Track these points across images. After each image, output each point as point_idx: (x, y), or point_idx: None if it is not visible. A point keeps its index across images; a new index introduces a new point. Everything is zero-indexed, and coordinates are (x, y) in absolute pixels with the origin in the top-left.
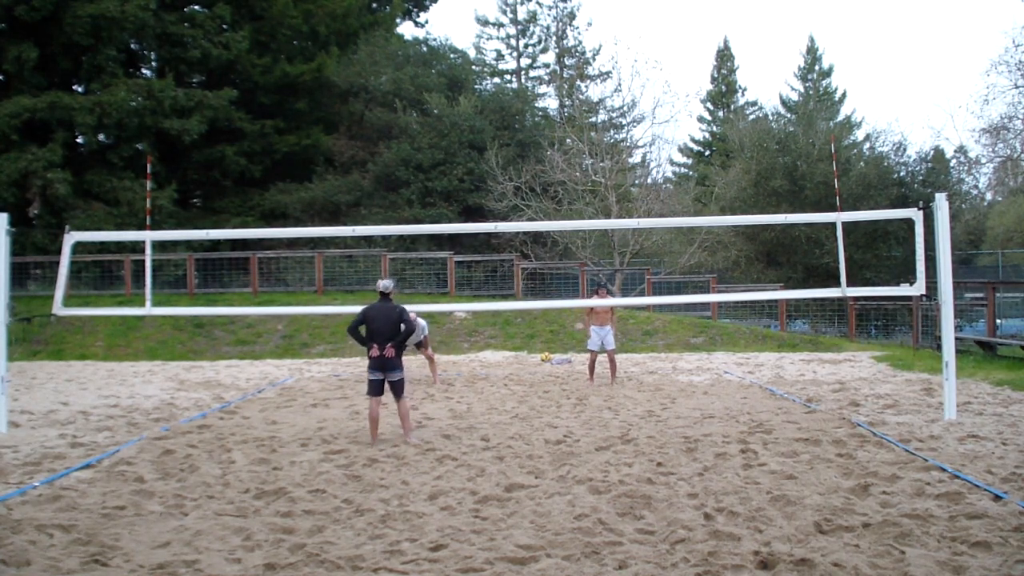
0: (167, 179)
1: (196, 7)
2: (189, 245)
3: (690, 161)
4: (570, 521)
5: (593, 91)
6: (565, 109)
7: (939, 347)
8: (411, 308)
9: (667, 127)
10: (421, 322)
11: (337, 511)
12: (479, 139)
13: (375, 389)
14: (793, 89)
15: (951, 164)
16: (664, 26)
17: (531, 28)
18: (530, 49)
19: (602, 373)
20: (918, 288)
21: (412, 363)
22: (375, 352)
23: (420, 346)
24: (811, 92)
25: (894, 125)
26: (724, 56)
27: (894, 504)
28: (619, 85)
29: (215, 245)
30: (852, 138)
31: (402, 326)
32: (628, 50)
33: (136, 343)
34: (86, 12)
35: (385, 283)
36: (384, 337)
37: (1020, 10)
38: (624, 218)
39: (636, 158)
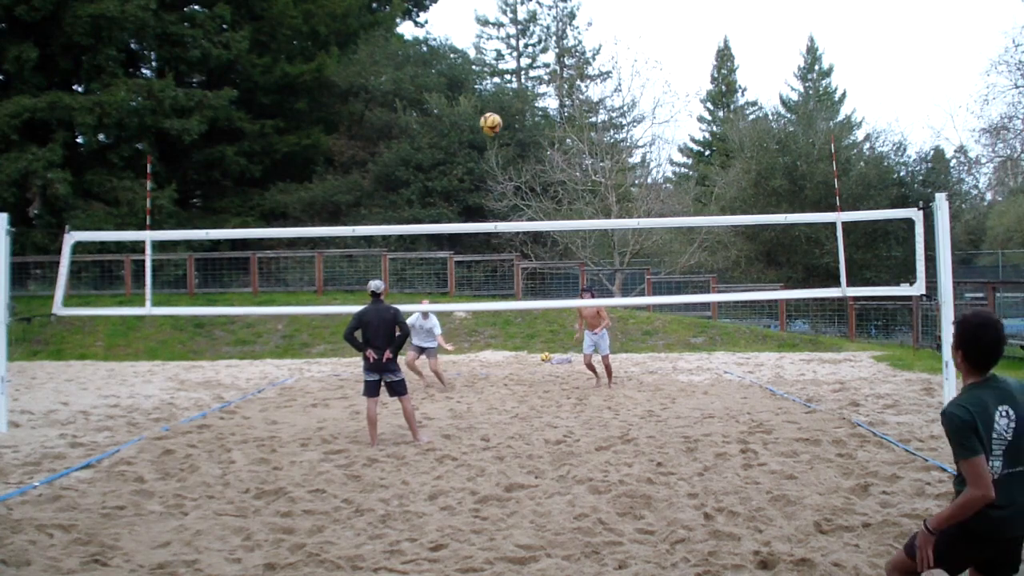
0: (167, 179)
1: (196, 7)
2: (189, 245)
3: (690, 161)
4: (570, 521)
5: (593, 91)
6: (565, 109)
7: (939, 347)
8: (419, 306)
9: (667, 127)
10: (433, 319)
11: (337, 511)
12: (479, 139)
13: (371, 390)
14: (793, 89)
15: (951, 164)
16: (664, 26)
17: (531, 28)
18: (530, 49)
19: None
20: (918, 288)
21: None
22: (373, 357)
23: (429, 356)
24: (811, 92)
25: (894, 125)
26: (724, 56)
27: (894, 504)
28: (619, 85)
29: (215, 245)
30: (852, 138)
31: (397, 328)
32: (628, 50)
33: (136, 343)
34: (86, 12)
35: (376, 284)
36: (382, 339)
37: (1020, 10)
38: (624, 218)
39: (636, 158)
